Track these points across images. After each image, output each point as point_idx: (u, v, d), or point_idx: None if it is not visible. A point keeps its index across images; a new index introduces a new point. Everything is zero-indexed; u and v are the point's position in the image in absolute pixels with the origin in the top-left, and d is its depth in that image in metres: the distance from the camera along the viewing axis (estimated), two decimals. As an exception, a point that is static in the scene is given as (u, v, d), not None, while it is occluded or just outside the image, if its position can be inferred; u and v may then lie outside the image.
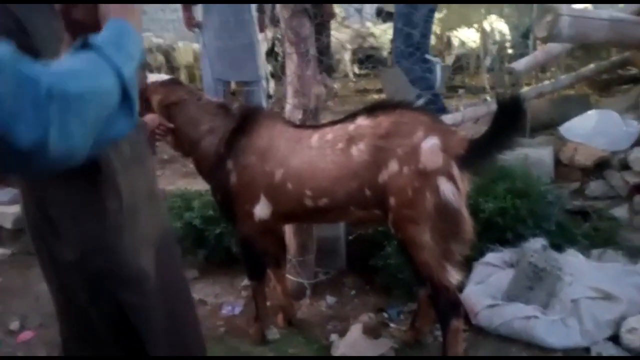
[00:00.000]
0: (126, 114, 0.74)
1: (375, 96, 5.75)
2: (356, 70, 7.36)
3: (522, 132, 1.56)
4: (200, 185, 2.83)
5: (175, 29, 6.15)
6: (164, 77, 1.94)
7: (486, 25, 5.66)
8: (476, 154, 1.60)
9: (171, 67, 6.08)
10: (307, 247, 2.34)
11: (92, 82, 0.69)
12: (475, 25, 5.79)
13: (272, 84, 5.26)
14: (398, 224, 1.66)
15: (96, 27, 0.85)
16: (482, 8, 5.83)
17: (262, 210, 1.87)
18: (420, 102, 2.72)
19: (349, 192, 1.71)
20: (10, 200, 2.96)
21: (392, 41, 3.51)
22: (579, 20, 2.24)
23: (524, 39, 4.55)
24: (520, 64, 2.76)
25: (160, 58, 5.91)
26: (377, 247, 2.38)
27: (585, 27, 2.29)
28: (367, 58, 6.84)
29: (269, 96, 4.79)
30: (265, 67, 4.37)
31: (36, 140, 0.63)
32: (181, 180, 3.24)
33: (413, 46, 3.04)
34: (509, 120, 1.50)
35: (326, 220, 1.99)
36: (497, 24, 5.79)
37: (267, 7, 4.13)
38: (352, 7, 8.44)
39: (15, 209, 2.89)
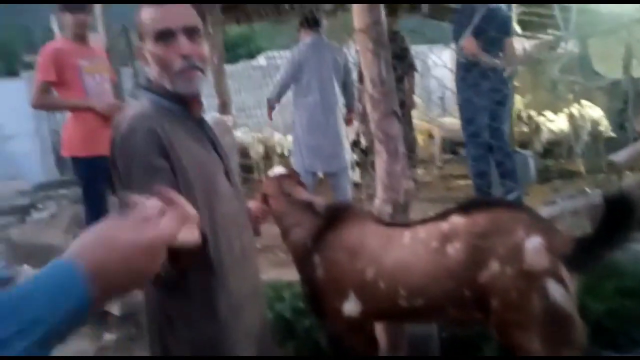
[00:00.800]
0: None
1: (462, 182, 5.68)
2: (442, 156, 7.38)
3: (632, 231, 1.46)
4: (291, 275, 2.88)
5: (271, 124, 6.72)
6: (281, 170, 2.08)
7: (574, 111, 5.53)
8: (584, 254, 1.52)
9: (269, 158, 6.64)
10: (398, 345, 2.26)
11: None
12: (566, 110, 5.67)
13: (357, 172, 5.42)
14: (502, 329, 1.57)
15: None
16: (569, 93, 5.74)
17: (351, 307, 1.86)
18: (512, 196, 2.65)
19: (446, 292, 1.66)
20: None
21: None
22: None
23: (621, 129, 4.40)
24: (620, 156, 2.64)
25: (261, 150, 6.53)
26: (473, 348, 2.24)
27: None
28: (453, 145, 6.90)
29: (355, 184, 4.91)
30: (350, 157, 4.53)
31: None
32: (273, 270, 3.31)
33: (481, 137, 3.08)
34: (618, 219, 1.42)
35: (421, 320, 1.93)
36: (587, 109, 5.63)
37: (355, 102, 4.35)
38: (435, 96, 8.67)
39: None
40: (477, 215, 1.66)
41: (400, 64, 4.12)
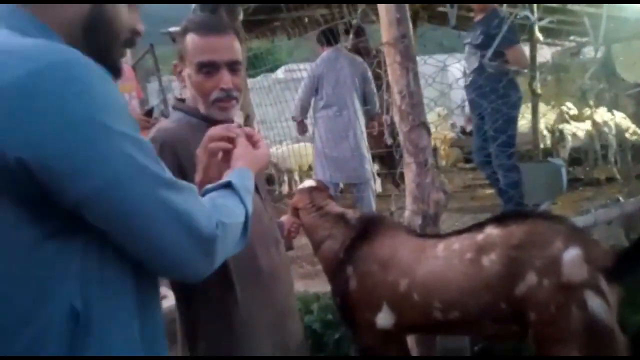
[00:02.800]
0: (243, 238, 0.90)
1: (487, 191, 5.62)
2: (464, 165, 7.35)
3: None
4: (318, 286, 2.88)
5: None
6: (311, 183, 2.10)
7: (597, 117, 5.45)
8: (624, 266, 1.49)
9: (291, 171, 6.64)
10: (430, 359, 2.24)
11: (236, 218, 0.87)
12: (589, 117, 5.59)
13: (378, 182, 5.40)
14: (541, 342, 1.54)
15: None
16: (590, 100, 5.67)
17: (384, 319, 1.84)
18: (544, 206, 2.62)
19: (482, 304, 1.64)
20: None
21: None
22: None
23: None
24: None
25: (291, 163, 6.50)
26: (507, 360, 2.21)
27: None
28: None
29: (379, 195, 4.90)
30: (372, 168, 4.53)
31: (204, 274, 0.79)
32: (300, 282, 3.30)
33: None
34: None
35: (456, 332, 1.91)
36: (611, 115, 5.55)
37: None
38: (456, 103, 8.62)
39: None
40: (513, 227, 1.64)
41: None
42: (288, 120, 4.69)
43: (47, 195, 0.65)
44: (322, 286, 2.84)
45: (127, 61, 4.06)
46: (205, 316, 1.27)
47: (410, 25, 2.02)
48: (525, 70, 3.39)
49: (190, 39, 1.27)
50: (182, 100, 1.38)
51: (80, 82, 0.66)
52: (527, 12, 3.55)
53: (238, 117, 1.26)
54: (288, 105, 4.47)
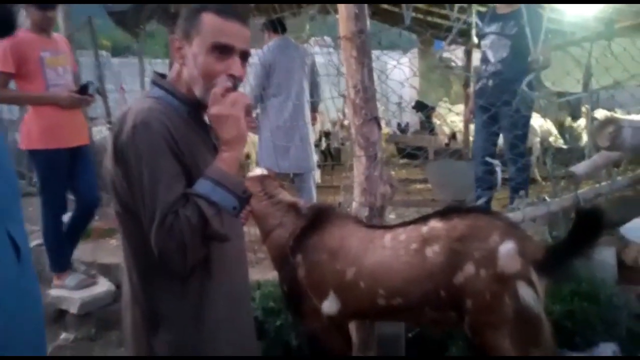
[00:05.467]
0: None
1: (419, 186, 5.86)
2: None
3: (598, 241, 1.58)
4: (259, 274, 2.90)
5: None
6: (259, 172, 2.10)
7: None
8: (553, 260, 1.63)
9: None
10: (369, 344, 2.32)
11: None
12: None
13: (318, 173, 5.48)
14: (475, 328, 1.66)
15: None
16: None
17: (330, 306, 1.90)
18: (481, 201, 2.79)
19: (424, 292, 1.73)
20: (77, 286, 3.07)
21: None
22: (640, 131, 2.33)
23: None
24: (579, 168, 2.83)
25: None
26: (439, 347, 2.34)
27: (647, 137, 2.38)
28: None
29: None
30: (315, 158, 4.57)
31: None
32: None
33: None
34: (588, 230, 1.54)
35: (397, 319, 2.00)
36: (535, 120, 5.93)
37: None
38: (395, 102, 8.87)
39: (82, 294, 3.00)
40: (456, 220, 1.74)
41: None
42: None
43: None
44: (263, 274, 2.87)
45: (61, 32, 3.81)
46: (169, 302, 1.23)
47: (368, 21, 2.06)
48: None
49: (209, 18, 1.22)
50: (163, 77, 1.32)
51: None
52: (476, 19, 3.69)
53: None
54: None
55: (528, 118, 3.52)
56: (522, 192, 3.02)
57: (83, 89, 3.11)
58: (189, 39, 1.24)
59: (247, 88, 3.86)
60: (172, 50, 1.29)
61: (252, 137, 6.33)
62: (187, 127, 1.24)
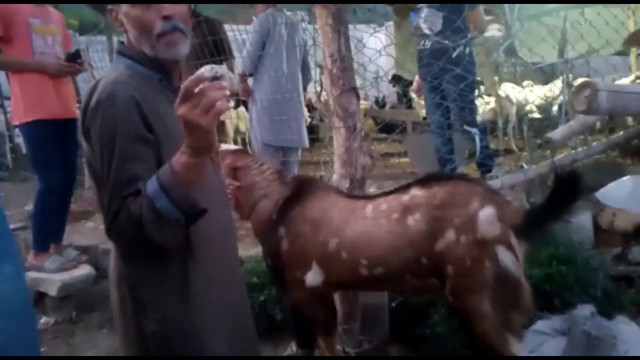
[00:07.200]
0: None
1: (400, 160, 5.87)
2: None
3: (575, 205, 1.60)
4: (242, 251, 2.88)
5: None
6: (232, 147, 2.08)
7: (501, 92, 5.84)
8: (532, 224, 1.65)
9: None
10: (353, 314, 2.35)
11: None
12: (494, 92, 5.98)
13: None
14: (456, 293, 1.68)
15: None
16: (495, 75, 6.04)
17: (313, 277, 1.91)
18: (459, 170, 2.80)
19: (405, 260, 1.74)
20: (57, 269, 3.01)
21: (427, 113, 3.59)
22: (616, 94, 2.36)
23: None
24: (556, 134, 2.86)
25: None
26: (422, 315, 2.37)
27: (622, 100, 2.41)
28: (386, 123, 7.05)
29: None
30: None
31: None
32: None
33: (448, 118, 3.14)
34: (566, 194, 1.55)
35: (380, 288, 2.02)
36: (512, 90, 5.96)
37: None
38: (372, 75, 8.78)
39: (61, 277, 2.94)
40: (436, 188, 1.74)
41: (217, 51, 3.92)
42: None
43: None
44: (245, 251, 2.85)
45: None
46: (152, 282, 1.20)
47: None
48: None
49: None
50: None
51: None
52: None
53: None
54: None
55: (472, 88, 3.46)
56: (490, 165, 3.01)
57: (73, 57, 2.98)
58: (119, 4, 1.18)
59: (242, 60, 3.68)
60: (112, 21, 1.23)
61: (242, 112, 6.19)
62: (161, 95, 1.19)
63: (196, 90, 0.94)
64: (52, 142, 2.90)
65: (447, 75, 3.27)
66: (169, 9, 1.15)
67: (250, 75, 3.75)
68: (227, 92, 0.97)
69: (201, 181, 1.08)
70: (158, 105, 1.16)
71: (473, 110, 3.35)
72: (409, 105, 7.95)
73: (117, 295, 1.25)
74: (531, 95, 5.85)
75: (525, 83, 6.03)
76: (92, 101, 1.11)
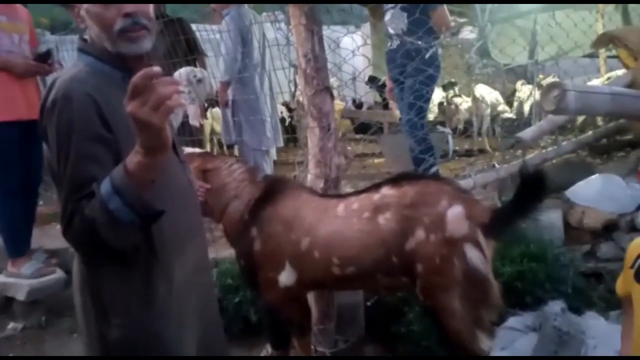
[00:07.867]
0: None
1: (376, 160, 5.90)
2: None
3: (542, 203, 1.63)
4: (215, 253, 2.86)
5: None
6: (197, 150, 2.05)
7: (477, 94, 5.94)
8: (500, 222, 1.67)
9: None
10: (328, 314, 2.34)
11: None
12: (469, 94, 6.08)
13: (273, 149, 5.42)
14: (427, 291, 1.69)
15: None
16: (473, 75, 6.14)
17: (287, 277, 1.90)
18: (434, 170, 2.83)
19: (376, 259, 1.75)
20: (33, 274, 2.93)
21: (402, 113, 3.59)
22: (584, 94, 2.41)
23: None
24: (526, 134, 2.91)
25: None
26: (397, 313, 2.38)
27: (590, 100, 2.46)
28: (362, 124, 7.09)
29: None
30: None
31: None
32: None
33: (423, 118, 3.15)
34: (532, 192, 1.58)
35: (352, 287, 2.02)
36: (486, 91, 6.06)
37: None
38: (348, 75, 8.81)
39: (30, 281, 2.87)
40: (406, 187, 1.76)
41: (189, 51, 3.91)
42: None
43: None
44: (218, 253, 2.83)
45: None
46: (114, 285, 1.16)
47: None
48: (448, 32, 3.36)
49: None
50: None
51: None
52: None
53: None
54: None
55: (429, 91, 3.44)
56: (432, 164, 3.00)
57: (43, 57, 2.91)
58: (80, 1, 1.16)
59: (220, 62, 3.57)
60: (75, 18, 1.20)
61: (216, 112, 6.11)
62: (122, 93, 1.16)
63: (146, 85, 0.89)
64: (12, 145, 2.82)
65: (407, 72, 3.29)
66: (130, 6, 1.13)
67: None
68: (180, 88, 0.93)
69: (159, 182, 1.04)
70: (119, 104, 1.12)
71: (423, 109, 3.34)
72: (386, 105, 8.00)
73: (80, 300, 1.22)
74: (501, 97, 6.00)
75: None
76: (49, 100, 1.08)
